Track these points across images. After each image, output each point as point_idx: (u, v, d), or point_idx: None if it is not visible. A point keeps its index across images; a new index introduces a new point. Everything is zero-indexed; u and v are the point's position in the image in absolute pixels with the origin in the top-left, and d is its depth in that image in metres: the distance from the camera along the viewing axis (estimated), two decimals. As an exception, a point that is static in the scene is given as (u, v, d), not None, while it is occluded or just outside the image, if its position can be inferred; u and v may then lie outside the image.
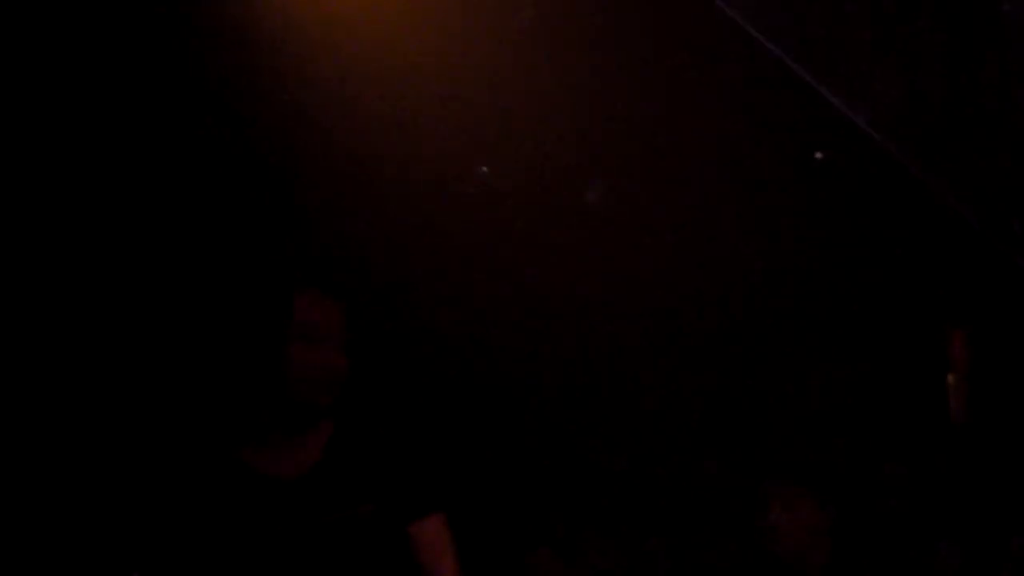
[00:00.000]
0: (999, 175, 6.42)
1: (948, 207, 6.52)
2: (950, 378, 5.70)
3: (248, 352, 2.98)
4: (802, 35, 6.33)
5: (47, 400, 5.23)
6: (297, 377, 2.94)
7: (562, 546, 5.64)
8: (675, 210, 6.42)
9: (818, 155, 6.54)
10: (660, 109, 6.17)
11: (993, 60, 6.38)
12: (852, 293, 6.45)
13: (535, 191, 6.21)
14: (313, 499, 2.91)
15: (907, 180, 6.61)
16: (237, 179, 5.72)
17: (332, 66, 5.48)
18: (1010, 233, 6.48)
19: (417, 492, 3.02)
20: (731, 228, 6.39)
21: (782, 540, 4.31)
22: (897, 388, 6.18)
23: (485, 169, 6.26)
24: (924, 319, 6.15)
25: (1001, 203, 6.40)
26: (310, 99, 5.59)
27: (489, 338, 6.31)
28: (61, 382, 5.29)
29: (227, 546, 2.87)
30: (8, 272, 5.13)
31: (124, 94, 5.35)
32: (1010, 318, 6.18)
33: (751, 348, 6.35)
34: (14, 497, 5.07)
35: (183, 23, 5.16)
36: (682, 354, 6.35)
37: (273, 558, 2.88)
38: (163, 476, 3.04)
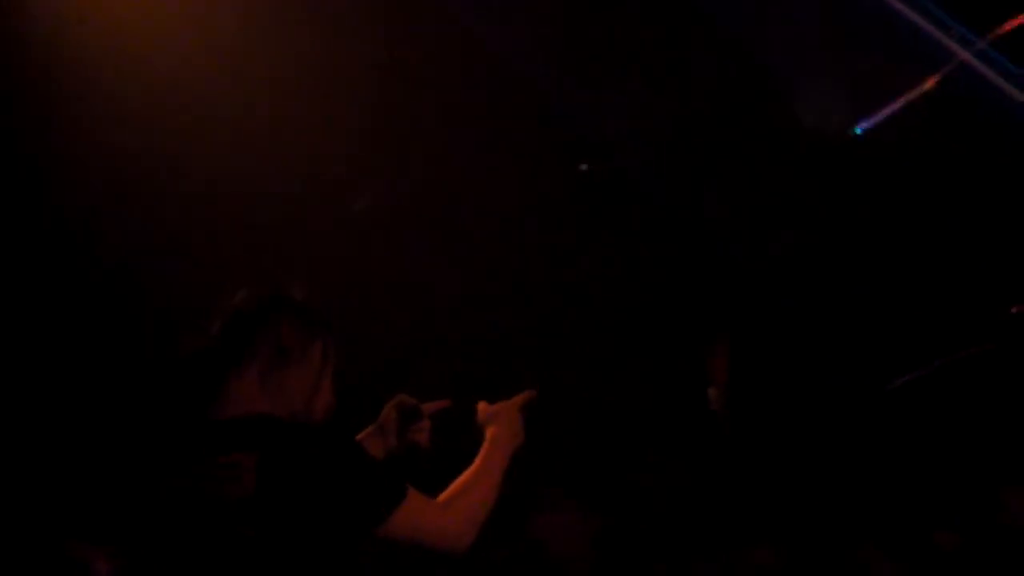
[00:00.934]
0: (755, 195, 6.71)
1: (704, 223, 6.79)
2: (711, 390, 5.91)
3: None
4: (569, 55, 6.52)
5: None
6: None
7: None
8: (448, 215, 6.46)
9: (583, 167, 6.68)
10: (433, 113, 6.23)
11: (752, 83, 6.65)
12: (619, 303, 6.60)
13: (305, 196, 6.16)
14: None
15: (665, 197, 6.86)
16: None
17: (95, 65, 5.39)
18: (764, 251, 6.77)
19: None
20: (502, 232, 6.46)
21: (549, 546, 4.35)
22: (665, 398, 6.34)
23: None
24: (688, 329, 6.35)
25: (755, 222, 6.69)
26: (71, 95, 5.47)
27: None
28: None
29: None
30: None
31: None
32: (765, 330, 6.45)
33: (524, 353, 6.41)
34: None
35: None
36: (452, 358, 6.37)
37: None
38: None
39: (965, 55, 5.65)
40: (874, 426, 6.28)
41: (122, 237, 5.91)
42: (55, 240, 5.84)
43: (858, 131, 5.60)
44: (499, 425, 3.10)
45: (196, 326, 2.91)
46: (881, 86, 5.97)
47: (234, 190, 6.01)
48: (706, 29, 6.33)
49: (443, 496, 2.87)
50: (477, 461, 3.01)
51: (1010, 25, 5.62)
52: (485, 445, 3.07)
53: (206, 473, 2.75)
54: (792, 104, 6.32)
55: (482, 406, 3.18)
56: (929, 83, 5.72)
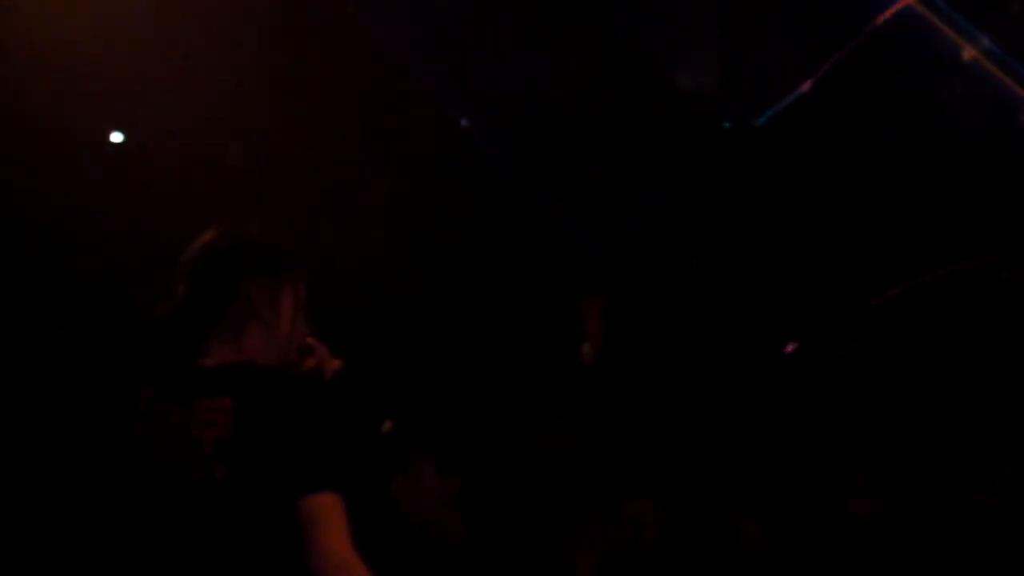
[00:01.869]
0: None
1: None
2: (585, 346, 5.99)
3: None
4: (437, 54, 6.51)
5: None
6: None
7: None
8: (312, 171, 6.42)
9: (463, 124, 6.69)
10: (301, 72, 6.19)
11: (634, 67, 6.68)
12: (489, 267, 6.62)
13: (175, 151, 6.09)
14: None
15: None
16: None
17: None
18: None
19: None
20: (372, 196, 6.44)
21: (410, 508, 4.36)
22: (540, 359, 6.39)
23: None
24: (561, 293, 6.39)
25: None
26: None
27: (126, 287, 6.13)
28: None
29: None
30: None
31: None
32: (636, 294, 6.54)
33: (396, 318, 6.41)
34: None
35: None
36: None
37: None
38: None
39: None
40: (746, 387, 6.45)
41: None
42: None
43: (761, 121, 5.66)
44: None
45: (164, 284, 2.89)
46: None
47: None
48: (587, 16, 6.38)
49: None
50: None
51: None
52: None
53: (189, 416, 2.77)
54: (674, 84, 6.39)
55: None
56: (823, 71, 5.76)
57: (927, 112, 5.82)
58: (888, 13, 5.46)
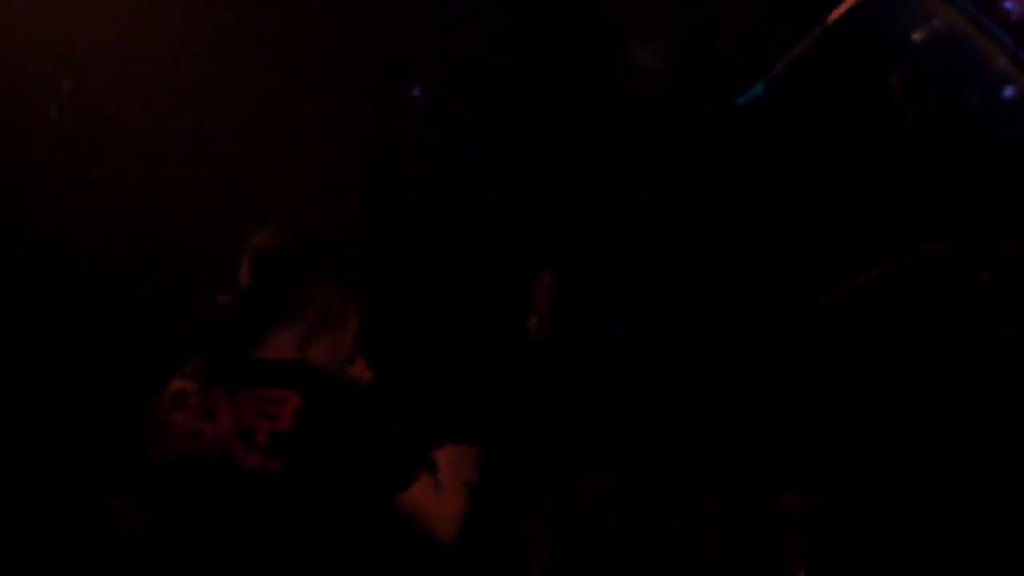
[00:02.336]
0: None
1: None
2: (531, 319, 5.91)
3: None
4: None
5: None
6: None
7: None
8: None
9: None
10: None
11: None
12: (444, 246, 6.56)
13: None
14: None
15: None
16: None
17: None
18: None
19: None
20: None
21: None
22: (484, 331, 6.32)
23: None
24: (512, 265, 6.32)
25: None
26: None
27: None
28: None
29: None
30: None
31: None
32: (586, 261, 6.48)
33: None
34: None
35: None
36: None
37: None
38: None
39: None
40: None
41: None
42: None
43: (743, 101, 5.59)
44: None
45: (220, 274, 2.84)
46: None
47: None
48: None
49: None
50: None
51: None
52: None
53: (246, 404, 2.68)
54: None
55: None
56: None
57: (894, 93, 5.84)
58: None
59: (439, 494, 2.77)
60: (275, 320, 2.79)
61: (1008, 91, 5.36)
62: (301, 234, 2.88)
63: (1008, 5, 5.03)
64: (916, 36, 5.64)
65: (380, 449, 2.68)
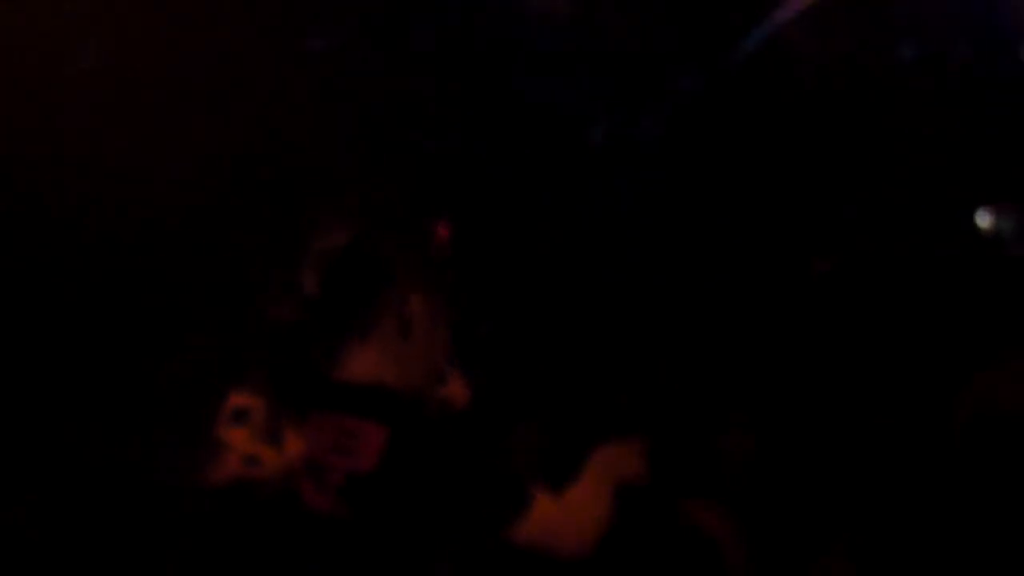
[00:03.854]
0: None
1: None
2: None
3: None
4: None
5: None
6: None
7: None
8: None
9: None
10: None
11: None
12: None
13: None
14: None
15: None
16: None
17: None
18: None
19: None
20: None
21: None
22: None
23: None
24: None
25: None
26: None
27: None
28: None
29: None
30: None
31: None
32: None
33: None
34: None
35: None
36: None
37: None
38: None
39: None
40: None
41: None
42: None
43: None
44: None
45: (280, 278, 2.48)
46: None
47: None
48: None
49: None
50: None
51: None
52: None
53: (320, 433, 2.36)
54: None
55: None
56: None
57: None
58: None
59: (567, 506, 2.49)
60: (349, 332, 2.52)
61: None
62: (371, 232, 2.60)
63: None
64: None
65: (483, 488, 2.40)
